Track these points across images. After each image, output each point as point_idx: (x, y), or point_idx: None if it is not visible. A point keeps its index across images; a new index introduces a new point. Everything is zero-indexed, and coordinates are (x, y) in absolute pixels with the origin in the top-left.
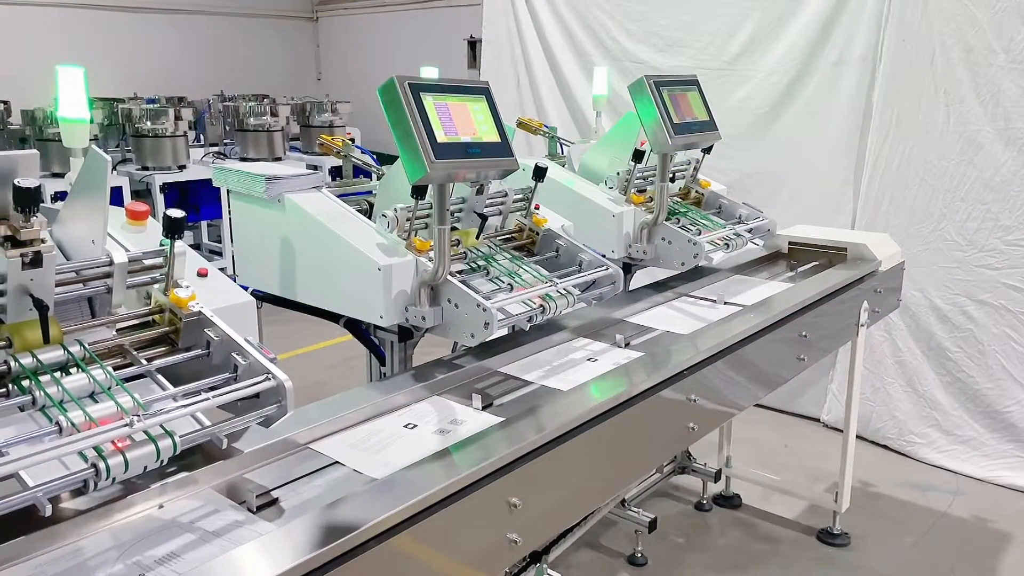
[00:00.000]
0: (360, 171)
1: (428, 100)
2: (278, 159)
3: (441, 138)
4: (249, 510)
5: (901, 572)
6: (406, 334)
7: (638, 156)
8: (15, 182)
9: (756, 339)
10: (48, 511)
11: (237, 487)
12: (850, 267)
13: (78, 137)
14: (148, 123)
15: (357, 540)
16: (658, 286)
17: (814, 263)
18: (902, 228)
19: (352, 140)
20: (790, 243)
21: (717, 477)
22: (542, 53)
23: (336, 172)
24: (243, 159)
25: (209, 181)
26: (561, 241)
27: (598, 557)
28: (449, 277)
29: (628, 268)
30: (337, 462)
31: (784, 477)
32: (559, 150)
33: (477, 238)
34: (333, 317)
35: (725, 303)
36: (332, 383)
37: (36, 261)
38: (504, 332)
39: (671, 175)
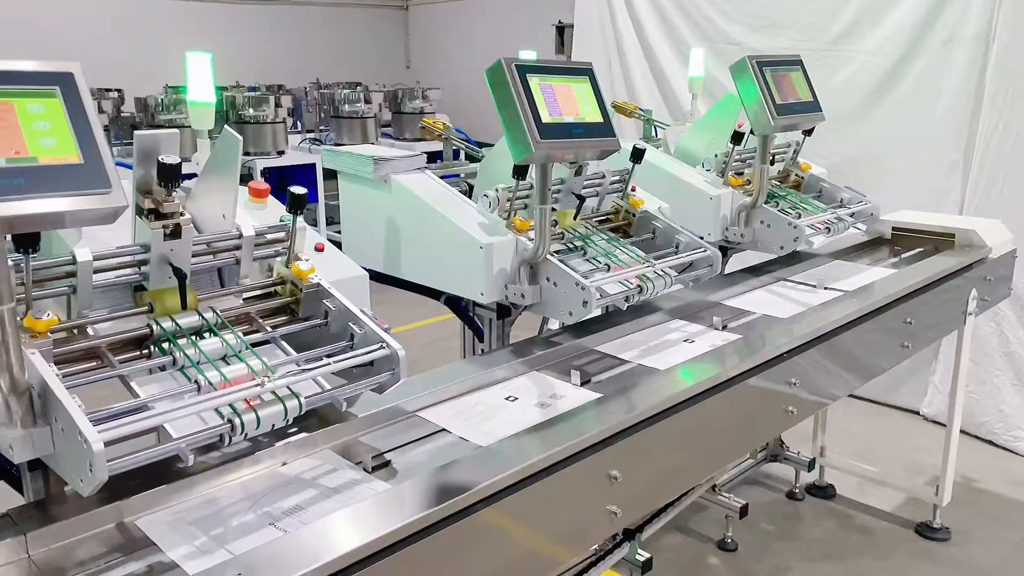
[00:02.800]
0: (457, 154)
1: (534, 81)
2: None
3: (546, 118)
4: (365, 470)
5: (1004, 570)
6: (504, 311)
7: (737, 138)
8: (159, 159)
9: (856, 325)
10: (191, 461)
11: (353, 448)
12: (958, 254)
13: (205, 119)
14: (250, 110)
15: (468, 501)
16: (755, 270)
17: (919, 249)
18: (1015, 214)
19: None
20: (894, 228)
21: (811, 466)
22: (635, 36)
23: (430, 158)
24: (337, 144)
25: (306, 166)
26: (658, 223)
27: (687, 541)
28: (549, 256)
29: (724, 251)
30: (444, 429)
31: (881, 469)
32: (653, 133)
33: (575, 219)
34: (434, 294)
35: (825, 288)
36: (424, 361)
37: (176, 233)
38: (598, 312)
39: (770, 157)
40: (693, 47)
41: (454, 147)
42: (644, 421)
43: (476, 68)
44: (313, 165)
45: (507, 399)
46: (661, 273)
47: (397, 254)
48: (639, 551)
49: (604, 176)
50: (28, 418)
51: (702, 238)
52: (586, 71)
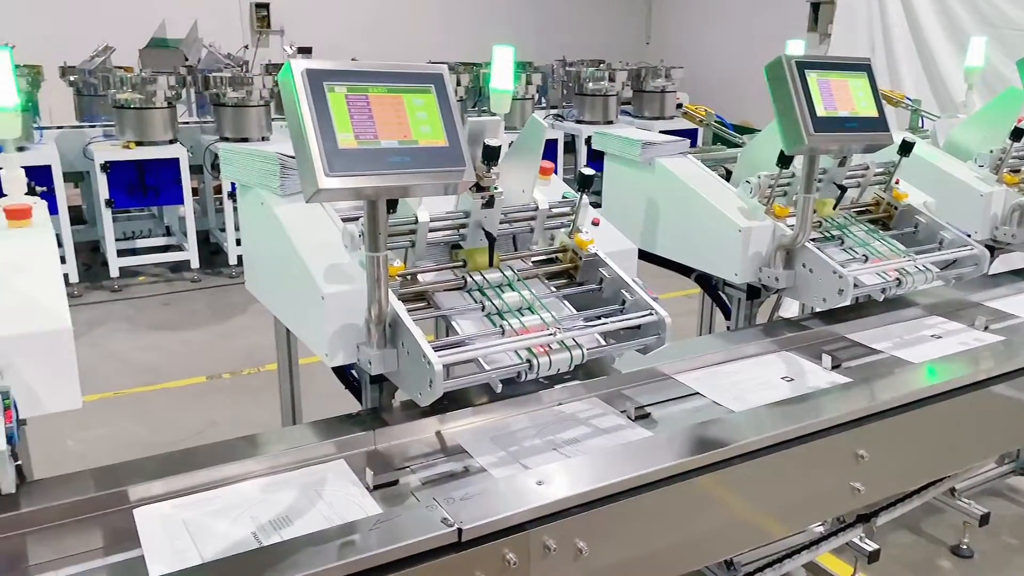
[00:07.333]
0: (718, 139)
1: (812, 77)
2: (610, 123)
3: (820, 112)
4: (628, 418)
5: None
6: (754, 293)
7: (1017, 134)
8: (484, 141)
9: None
10: (499, 388)
11: (618, 399)
12: None
13: (504, 105)
14: None
15: (722, 456)
16: (1022, 273)
17: None
18: None
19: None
20: None
21: None
22: (904, 18)
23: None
24: (578, 122)
25: (548, 141)
26: (921, 217)
27: (918, 541)
28: (807, 243)
29: (990, 251)
30: (697, 393)
31: None
32: (920, 124)
33: (834, 208)
34: (685, 271)
35: None
36: None
37: (490, 203)
38: (848, 302)
39: None
40: (972, 34)
41: (713, 132)
42: (893, 409)
43: (719, 44)
44: (555, 141)
45: (757, 372)
46: (922, 268)
47: (654, 232)
48: (867, 540)
49: (868, 168)
50: (382, 341)
51: (969, 236)
52: (864, 67)
